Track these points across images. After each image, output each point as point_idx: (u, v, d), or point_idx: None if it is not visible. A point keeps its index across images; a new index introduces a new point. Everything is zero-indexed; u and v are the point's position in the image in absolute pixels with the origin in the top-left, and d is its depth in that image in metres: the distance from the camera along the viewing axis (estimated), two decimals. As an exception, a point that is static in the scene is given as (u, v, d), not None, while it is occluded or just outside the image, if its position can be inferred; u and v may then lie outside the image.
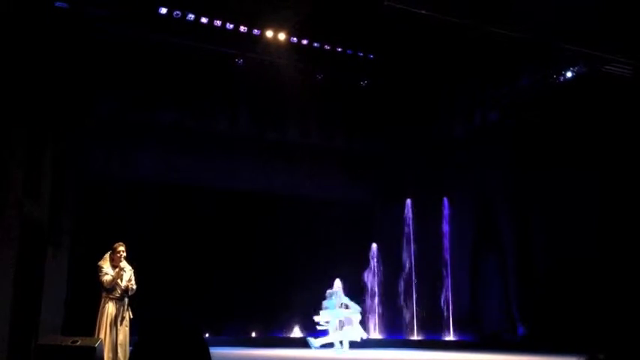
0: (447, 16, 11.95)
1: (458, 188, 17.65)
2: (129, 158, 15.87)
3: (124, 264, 7.95)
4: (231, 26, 14.34)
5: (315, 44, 15.27)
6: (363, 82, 17.20)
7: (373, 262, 18.28)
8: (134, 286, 7.94)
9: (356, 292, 16.40)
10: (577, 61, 14.37)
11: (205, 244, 16.20)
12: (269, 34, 14.59)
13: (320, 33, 14.89)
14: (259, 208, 17.41)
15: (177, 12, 13.76)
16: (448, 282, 17.38)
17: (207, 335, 14.89)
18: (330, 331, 14.39)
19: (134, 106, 15.63)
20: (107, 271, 7.83)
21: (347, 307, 14.49)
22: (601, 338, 11.56)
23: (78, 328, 8.77)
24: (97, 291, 7.92)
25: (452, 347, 16.17)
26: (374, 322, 18.08)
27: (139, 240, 11.86)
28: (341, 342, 14.33)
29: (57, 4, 10.90)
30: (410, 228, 18.54)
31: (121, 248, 8.00)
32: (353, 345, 14.42)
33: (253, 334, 17.07)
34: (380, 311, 18.21)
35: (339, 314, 14.30)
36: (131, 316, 7.95)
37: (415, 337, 17.58)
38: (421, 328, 17.72)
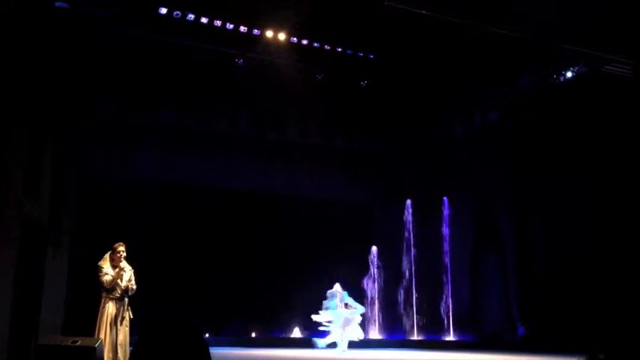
0: (447, 16, 11.95)
1: (458, 188, 17.65)
2: (129, 158, 15.87)
3: (124, 264, 7.95)
4: (231, 26, 14.34)
5: (315, 44, 15.27)
6: (363, 82, 17.20)
7: (373, 262, 18.27)
8: (134, 286, 7.94)
9: (356, 292, 16.38)
10: (577, 61, 14.37)
11: (205, 244, 16.20)
12: (269, 34, 14.59)
13: (320, 33, 14.90)
14: (259, 208, 17.41)
15: (178, 12, 13.76)
16: (448, 282, 17.38)
17: (207, 335, 14.89)
18: (334, 331, 14.39)
19: (134, 106, 15.64)
20: (107, 271, 7.83)
21: (349, 306, 14.49)
22: (601, 338, 11.56)
23: (78, 328, 8.77)
24: (97, 291, 7.92)
25: (452, 347, 16.16)
26: (374, 322, 18.07)
27: (139, 240, 11.85)
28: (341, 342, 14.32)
29: (57, 4, 10.90)
30: (410, 228, 18.54)
31: (121, 248, 7.99)
32: (352, 345, 14.41)
33: (253, 335, 17.07)
34: (380, 311, 18.21)
35: (342, 314, 14.31)
36: (131, 316, 7.95)
37: (415, 337, 17.57)
38: (421, 328, 17.72)
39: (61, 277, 10.37)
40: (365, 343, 15.36)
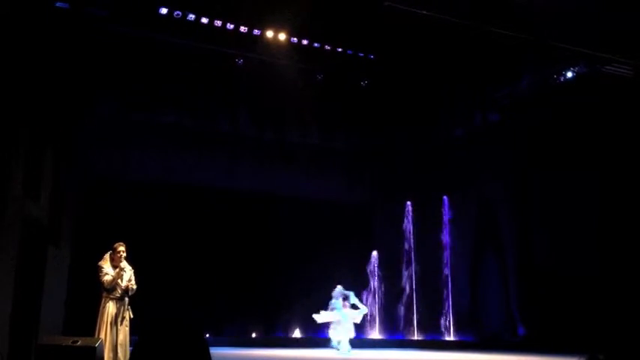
0: (447, 16, 11.95)
1: (458, 188, 17.66)
2: (129, 158, 15.87)
3: (124, 264, 7.95)
4: (232, 26, 14.35)
5: (316, 44, 15.29)
6: (364, 82, 17.21)
7: (373, 262, 18.27)
8: (134, 286, 7.95)
9: (356, 292, 16.38)
10: (577, 61, 14.38)
11: (205, 244, 16.20)
12: (269, 34, 14.60)
13: (320, 33, 14.90)
14: (259, 208, 17.42)
15: (178, 12, 13.77)
16: (448, 282, 17.38)
17: (207, 335, 14.89)
18: (340, 331, 14.43)
19: (134, 106, 15.65)
20: (107, 271, 7.83)
21: (356, 307, 14.52)
22: (601, 338, 11.56)
23: (78, 328, 8.78)
24: (97, 291, 7.92)
25: (452, 347, 16.17)
26: (374, 322, 18.07)
27: (139, 240, 11.85)
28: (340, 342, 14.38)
29: (57, 4, 10.90)
30: (410, 228, 18.54)
31: (121, 248, 8.00)
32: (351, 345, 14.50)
33: (253, 335, 17.06)
34: (380, 311, 18.21)
35: (347, 315, 14.38)
36: (131, 316, 7.96)
37: (415, 337, 17.58)
38: (421, 328, 17.72)
39: (61, 277, 10.38)
40: (365, 343, 15.36)
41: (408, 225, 18.58)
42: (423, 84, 16.81)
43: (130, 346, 7.79)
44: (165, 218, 15.84)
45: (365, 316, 15.99)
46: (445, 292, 17.37)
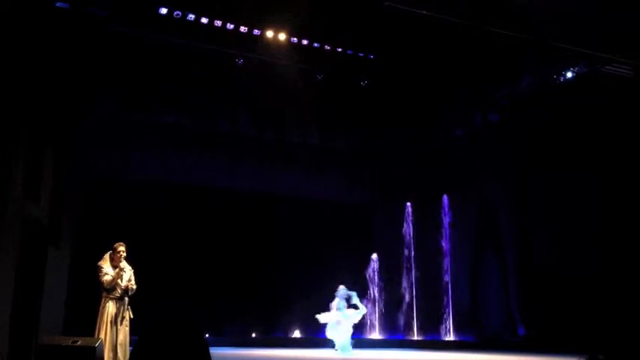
0: (447, 16, 11.95)
1: (458, 188, 17.66)
2: (129, 158, 15.88)
3: (123, 264, 7.96)
4: (232, 26, 14.36)
5: (316, 44, 15.29)
6: (364, 82, 17.21)
7: (373, 262, 18.27)
8: (134, 286, 7.95)
9: (356, 292, 16.39)
10: (577, 61, 14.38)
11: (205, 244, 16.21)
12: (269, 34, 14.60)
13: (320, 33, 14.91)
14: (259, 208, 17.43)
15: (178, 12, 13.78)
16: (448, 282, 17.38)
17: (207, 335, 14.89)
18: (342, 332, 14.48)
19: (134, 106, 15.65)
20: (107, 271, 7.84)
21: (356, 307, 14.57)
22: (601, 338, 11.56)
23: (78, 327, 8.78)
24: (97, 291, 7.93)
25: (452, 347, 16.16)
26: (374, 322, 18.07)
27: (139, 240, 11.86)
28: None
29: (57, 4, 10.90)
30: (410, 228, 18.54)
31: (121, 248, 8.01)
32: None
33: (253, 335, 17.07)
34: (380, 311, 18.21)
35: (349, 315, 14.45)
36: (131, 316, 7.96)
37: (415, 337, 17.58)
38: (421, 329, 17.72)
39: (61, 277, 10.38)
40: (365, 343, 15.35)
41: (408, 225, 18.58)
42: (422, 84, 16.81)
43: (130, 346, 7.80)
44: (165, 218, 15.84)
45: (364, 316, 16.02)
46: (445, 292, 17.36)
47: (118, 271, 7.83)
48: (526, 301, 15.65)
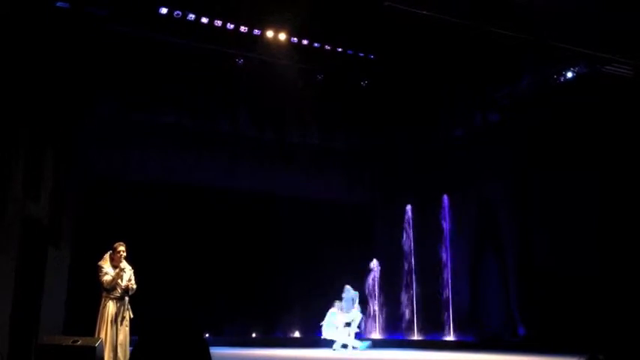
0: (447, 16, 11.94)
1: (458, 188, 17.65)
2: (129, 158, 15.88)
3: (124, 264, 7.96)
4: (232, 26, 14.35)
5: (316, 44, 15.29)
6: (364, 82, 17.21)
7: (373, 262, 18.26)
8: (134, 286, 7.96)
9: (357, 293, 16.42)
10: (577, 61, 14.37)
11: (205, 244, 16.21)
12: (269, 34, 14.60)
13: (320, 33, 14.90)
14: (259, 208, 17.43)
15: (178, 12, 13.77)
16: (448, 282, 17.38)
17: (207, 335, 14.90)
18: (343, 332, 14.60)
19: (134, 106, 15.65)
20: (107, 271, 7.84)
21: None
22: (601, 338, 11.56)
23: (78, 327, 8.78)
24: (97, 291, 7.93)
25: (452, 347, 16.16)
26: (374, 322, 18.07)
27: (139, 240, 11.86)
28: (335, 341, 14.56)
29: (58, 4, 10.90)
30: (410, 228, 18.55)
31: (122, 248, 8.01)
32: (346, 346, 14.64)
33: (254, 335, 17.07)
34: (380, 311, 18.22)
35: (357, 316, 14.62)
36: (131, 316, 7.96)
37: (415, 337, 17.58)
38: (421, 329, 17.72)
39: (61, 277, 10.37)
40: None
41: (408, 225, 18.58)
42: (422, 84, 16.81)
43: (130, 346, 7.80)
44: (165, 218, 15.84)
45: (364, 316, 16.09)
46: (445, 292, 17.36)
47: (118, 271, 7.83)
48: (526, 301, 15.65)
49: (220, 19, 14.19)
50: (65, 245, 10.47)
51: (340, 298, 15.01)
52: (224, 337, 15.72)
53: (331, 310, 14.65)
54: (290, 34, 14.69)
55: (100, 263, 7.91)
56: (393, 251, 18.45)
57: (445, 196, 17.88)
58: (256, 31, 14.59)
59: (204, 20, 14.07)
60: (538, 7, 11.51)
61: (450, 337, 16.98)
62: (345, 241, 17.45)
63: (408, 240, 18.48)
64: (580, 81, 14.53)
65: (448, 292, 17.31)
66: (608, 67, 13.45)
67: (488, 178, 17.02)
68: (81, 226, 12.08)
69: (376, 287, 18.19)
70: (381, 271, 18.19)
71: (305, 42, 15.12)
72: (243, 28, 14.45)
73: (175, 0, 13.70)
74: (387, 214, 19.23)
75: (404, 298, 18.09)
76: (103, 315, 7.74)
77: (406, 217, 18.67)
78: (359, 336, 15.41)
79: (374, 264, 18.13)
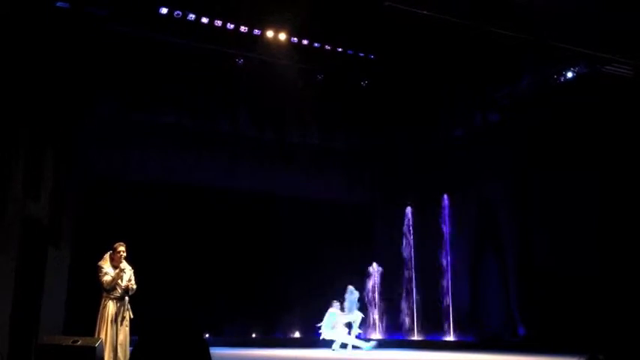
0: (447, 16, 11.94)
1: (458, 188, 17.66)
2: (129, 158, 15.88)
3: (124, 264, 7.96)
4: (232, 26, 14.35)
5: (316, 44, 15.28)
6: (364, 82, 17.21)
7: (373, 262, 18.26)
8: (134, 286, 7.96)
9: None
10: (577, 61, 14.37)
11: (205, 244, 16.21)
12: (269, 34, 14.60)
13: (320, 33, 14.90)
14: (259, 208, 17.43)
15: (178, 12, 13.77)
16: (448, 282, 17.38)
17: (207, 335, 14.90)
18: (343, 332, 14.62)
19: (134, 106, 15.65)
20: (107, 271, 7.84)
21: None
22: (601, 338, 11.56)
23: (78, 327, 8.78)
24: (97, 291, 7.93)
25: (452, 348, 16.17)
26: (374, 322, 18.07)
27: (139, 240, 11.86)
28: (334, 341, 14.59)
29: (58, 4, 10.90)
30: (410, 228, 18.55)
31: (122, 248, 8.01)
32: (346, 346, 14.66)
33: (253, 335, 17.07)
34: (380, 311, 18.21)
35: (358, 315, 14.66)
36: (131, 316, 7.96)
37: (415, 337, 17.58)
38: (421, 329, 17.72)
39: (61, 277, 10.37)
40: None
41: (408, 225, 18.59)
42: (423, 84, 16.80)
43: (130, 346, 7.80)
44: (165, 218, 15.84)
45: (365, 316, 16.10)
46: (445, 292, 17.36)
47: (119, 272, 7.83)
48: (526, 301, 15.65)
49: (220, 19, 14.19)
50: (65, 245, 10.47)
51: (341, 299, 15.00)
52: (224, 337, 15.72)
53: (330, 311, 14.65)
54: (290, 34, 14.68)
55: (100, 263, 7.91)
56: (393, 251, 18.45)
57: (445, 196, 17.88)
58: (256, 31, 14.59)
59: (205, 20, 14.07)
60: (538, 7, 11.51)
61: (450, 337, 16.99)
62: (345, 241, 17.45)
63: (407, 240, 18.48)
64: (580, 81, 14.53)
65: (448, 292, 17.31)
66: (608, 67, 13.45)
67: (488, 178, 17.02)
68: (81, 226, 12.08)
69: (376, 288, 18.19)
70: (380, 271, 18.19)
71: (305, 42, 15.12)
72: (243, 28, 14.45)
73: (175, 0, 13.70)
74: (387, 214, 19.23)
75: (404, 298, 18.08)
76: (103, 315, 7.74)
77: (406, 217, 18.67)
78: (360, 336, 15.42)
79: (374, 266, 18.13)
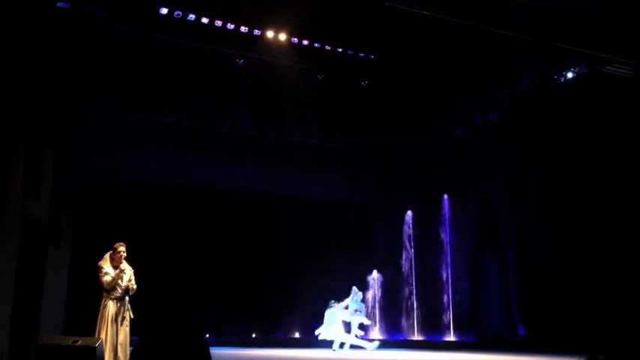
0: (447, 16, 11.95)
1: (458, 189, 17.66)
2: (129, 158, 15.89)
3: (124, 264, 7.95)
4: (232, 26, 14.35)
5: (316, 44, 15.29)
6: (364, 82, 17.21)
7: (373, 262, 18.25)
8: (134, 286, 7.95)
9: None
10: (577, 62, 14.38)
11: (205, 244, 16.21)
12: (270, 34, 14.60)
13: (321, 33, 14.90)
14: (259, 208, 17.43)
15: (178, 12, 13.77)
16: (448, 282, 17.39)
17: (207, 335, 14.91)
18: (343, 331, 14.64)
19: (134, 106, 15.66)
20: (107, 271, 7.83)
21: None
22: (601, 338, 11.56)
23: (78, 327, 8.78)
24: (97, 291, 7.92)
25: (452, 348, 16.17)
26: (374, 322, 18.07)
27: (139, 240, 11.86)
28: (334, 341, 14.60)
29: (58, 4, 10.91)
30: (410, 228, 18.55)
31: (122, 248, 8.00)
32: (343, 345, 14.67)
33: (254, 335, 17.07)
34: (381, 311, 18.22)
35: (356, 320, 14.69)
36: (131, 316, 7.95)
37: (416, 337, 17.58)
38: (421, 329, 17.73)
39: (61, 277, 10.38)
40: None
41: (408, 225, 18.59)
42: (423, 84, 16.81)
43: (130, 346, 7.80)
44: (165, 218, 15.85)
45: (366, 316, 16.10)
46: (445, 292, 17.37)
47: (119, 272, 7.82)
48: (526, 301, 15.66)
49: (220, 20, 14.19)
50: (65, 245, 10.48)
51: (341, 299, 14.99)
52: (224, 337, 15.73)
53: (329, 311, 14.64)
54: (290, 35, 14.69)
55: (100, 263, 7.90)
56: (393, 251, 18.46)
57: (445, 196, 17.89)
58: (256, 32, 14.59)
59: (205, 20, 14.07)
60: (538, 7, 11.51)
61: (451, 338, 17.00)
62: (345, 240, 17.46)
63: (407, 240, 18.48)
64: (580, 81, 14.54)
65: (448, 293, 17.32)
66: (608, 68, 13.45)
67: (488, 178, 17.02)
68: (81, 226, 12.08)
69: (376, 288, 18.19)
70: (381, 271, 18.19)
71: (305, 42, 15.12)
72: (243, 29, 14.45)
73: (175, 0, 13.70)
74: (387, 214, 19.24)
75: (404, 299, 18.09)
76: (103, 315, 7.73)
77: (406, 217, 18.67)
78: (364, 337, 15.42)
79: (374, 264, 18.13)
